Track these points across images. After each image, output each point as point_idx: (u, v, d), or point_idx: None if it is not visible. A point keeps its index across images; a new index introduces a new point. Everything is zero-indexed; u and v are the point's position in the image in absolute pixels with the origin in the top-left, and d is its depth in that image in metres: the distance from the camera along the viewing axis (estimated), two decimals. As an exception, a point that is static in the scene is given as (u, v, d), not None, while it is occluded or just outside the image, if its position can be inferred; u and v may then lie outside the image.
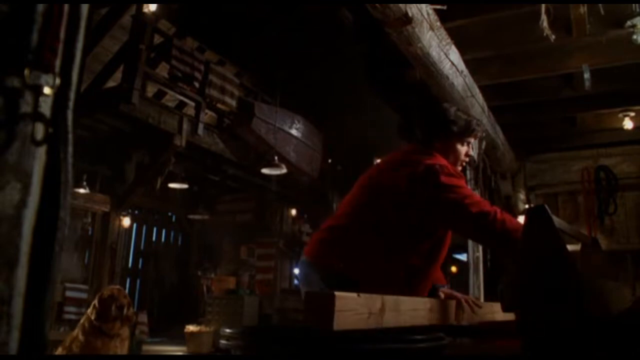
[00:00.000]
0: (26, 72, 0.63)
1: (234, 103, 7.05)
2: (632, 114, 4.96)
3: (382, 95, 4.30)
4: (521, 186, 5.80)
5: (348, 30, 4.21)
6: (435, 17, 2.84)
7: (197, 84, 6.57)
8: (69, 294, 6.28)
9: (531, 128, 5.54)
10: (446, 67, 3.14)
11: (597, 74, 3.84)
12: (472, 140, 1.98)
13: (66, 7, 0.68)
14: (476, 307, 1.85)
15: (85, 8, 0.70)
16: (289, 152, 7.57)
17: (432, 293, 1.90)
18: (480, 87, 3.86)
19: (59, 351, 3.27)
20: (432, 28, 2.79)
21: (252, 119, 6.91)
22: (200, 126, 6.66)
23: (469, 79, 3.57)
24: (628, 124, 5.01)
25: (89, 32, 0.70)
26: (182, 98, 6.78)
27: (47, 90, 0.65)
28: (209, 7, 6.31)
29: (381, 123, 4.57)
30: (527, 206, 5.52)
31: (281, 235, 9.40)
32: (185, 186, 7.74)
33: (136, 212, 8.75)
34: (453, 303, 1.78)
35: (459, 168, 1.96)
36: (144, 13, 6.00)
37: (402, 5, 2.43)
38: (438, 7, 2.81)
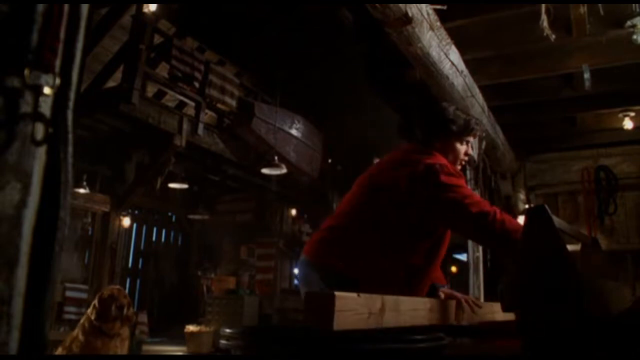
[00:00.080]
0: (26, 72, 0.63)
1: (234, 103, 7.05)
2: (632, 114, 4.96)
3: (382, 95, 4.30)
4: (521, 186, 5.79)
5: (348, 30, 4.21)
6: (435, 17, 2.84)
7: (197, 84, 6.57)
8: (69, 294, 6.28)
9: (531, 128, 5.53)
10: (446, 67, 3.14)
11: (597, 74, 3.84)
12: (471, 139, 1.98)
13: (66, 7, 0.68)
14: (476, 307, 1.85)
15: (85, 8, 0.70)
16: (289, 152, 7.57)
17: (432, 293, 1.90)
18: (480, 87, 3.86)
19: (59, 351, 3.27)
20: (432, 28, 2.79)
21: (252, 119, 6.91)
22: (200, 126, 6.66)
23: (469, 79, 3.57)
24: (628, 124, 5.00)
25: (89, 32, 0.70)
26: (182, 98, 6.78)
27: (47, 90, 0.65)
28: (209, 7, 6.31)
29: (381, 123, 4.58)
30: (527, 206, 5.51)
31: (281, 235, 9.39)
32: (185, 186, 7.74)
33: (136, 212, 8.75)
34: (453, 303, 1.78)
35: (459, 167, 1.97)
36: (144, 13, 6.00)
37: (402, 5, 2.43)
38: (438, 7, 2.81)
